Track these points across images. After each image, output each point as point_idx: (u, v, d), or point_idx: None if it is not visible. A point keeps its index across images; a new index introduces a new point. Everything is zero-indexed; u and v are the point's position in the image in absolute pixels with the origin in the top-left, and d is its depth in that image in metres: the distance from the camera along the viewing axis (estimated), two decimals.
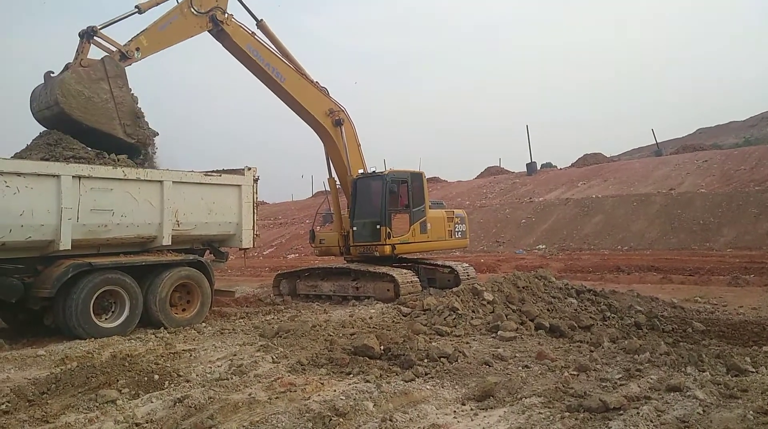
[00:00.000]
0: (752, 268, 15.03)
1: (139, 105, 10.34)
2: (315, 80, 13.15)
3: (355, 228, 12.87)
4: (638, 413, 3.98)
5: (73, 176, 8.42)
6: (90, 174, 8.67)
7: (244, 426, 4.31)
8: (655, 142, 41.45)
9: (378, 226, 12.44)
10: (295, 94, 12.69)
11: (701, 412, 4.06)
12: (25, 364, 6.98)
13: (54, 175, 8.26)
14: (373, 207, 12.76)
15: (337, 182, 14.01)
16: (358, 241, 12.85)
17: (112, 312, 8.99)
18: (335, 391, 5.26)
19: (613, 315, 8.81)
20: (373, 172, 13.23)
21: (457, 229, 14.21)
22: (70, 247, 8.45)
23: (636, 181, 32.24)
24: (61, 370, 6.47)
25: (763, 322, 8.53)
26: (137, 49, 10.22)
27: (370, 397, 4.90)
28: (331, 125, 13.23)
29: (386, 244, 12.40)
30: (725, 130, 66.52)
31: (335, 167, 13.83)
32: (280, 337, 7.93)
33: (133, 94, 10.24)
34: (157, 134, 10.73)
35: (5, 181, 7.80)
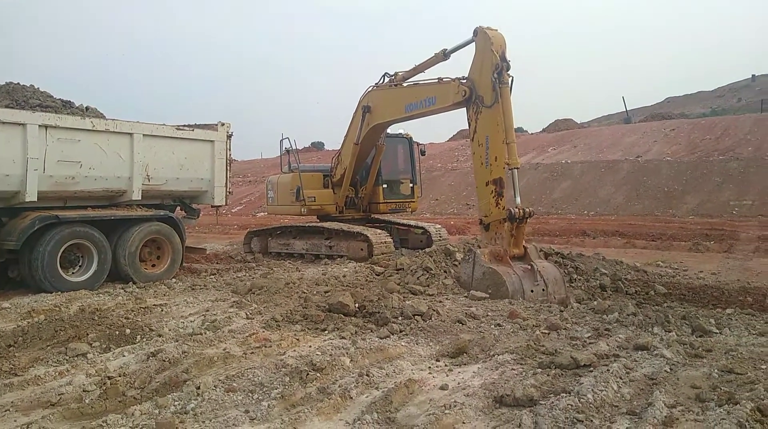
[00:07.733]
0: (713, 235, 15.47)
1: None
2: None
3: (385, 186, 13.39)
4: (608, 370, 4.09)
5: (39, 125, 8.15)
6: (57, 123, 8.39)
7: (220, 380, 4.30)
8: (625, 109, 41.91)
9: (411, 185, 13.83)
10: None
11: (668, 370, 4.20)
12: None
13: (20, 124, 7.98)
14: (402, 166, 13.94)
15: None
16: (390, 199, 13.48)
17: (80, 266, 8.84)
18: (311, 346, 5.26)
19: (579, 277, 8.98)
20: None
21: None
22: (36, 199, 8.24)
23: (605, 147, 32.70)
24: (28, 323, 6.35)
25: (722, 286, 8.79)
26: None
27: (347, 353, 4.91)
28: None
29: (416, 201, 13.97)
30: (693, 99, 67.72)
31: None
32: (253, 293, 7.89)
33: None
34: None
35: None
